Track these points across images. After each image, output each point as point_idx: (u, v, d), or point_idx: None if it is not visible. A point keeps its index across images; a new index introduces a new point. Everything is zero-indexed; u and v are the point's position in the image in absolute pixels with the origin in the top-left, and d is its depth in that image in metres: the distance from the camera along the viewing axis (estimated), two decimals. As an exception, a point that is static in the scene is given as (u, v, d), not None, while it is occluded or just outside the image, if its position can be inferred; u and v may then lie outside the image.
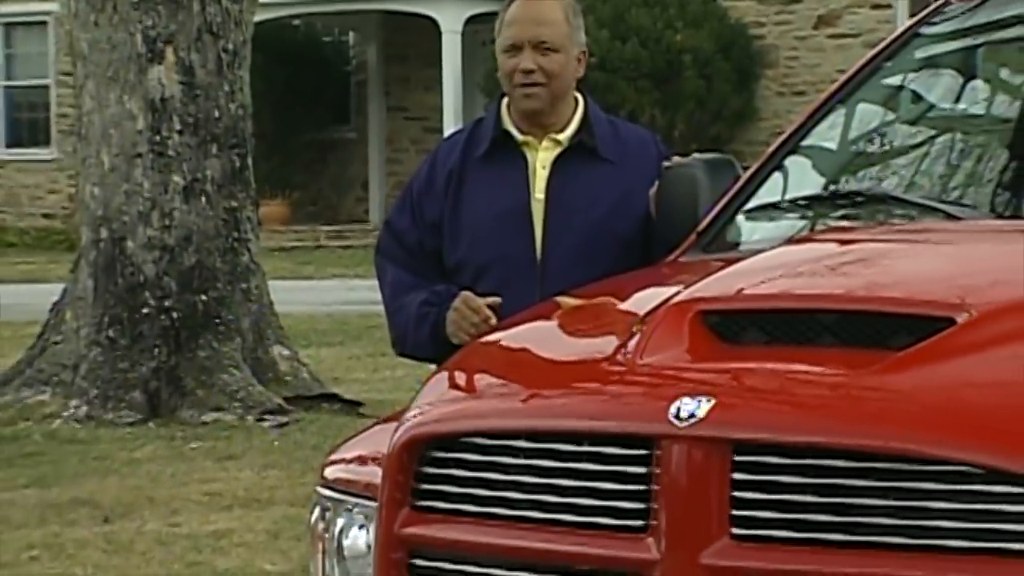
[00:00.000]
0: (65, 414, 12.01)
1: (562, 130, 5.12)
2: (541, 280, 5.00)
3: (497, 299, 4.95)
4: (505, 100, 5.19)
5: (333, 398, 12.39)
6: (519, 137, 5.12)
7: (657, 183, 4.95)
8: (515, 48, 5.07)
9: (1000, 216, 4.39)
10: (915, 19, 5.06)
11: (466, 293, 4.98)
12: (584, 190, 5.07)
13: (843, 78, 4.95)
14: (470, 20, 27.45)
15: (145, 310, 12.13)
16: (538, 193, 5.09)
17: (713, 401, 3.36)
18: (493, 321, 4.90)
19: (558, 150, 5.11)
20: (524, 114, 5.11)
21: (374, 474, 3.76)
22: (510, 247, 5.05)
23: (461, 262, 5.11)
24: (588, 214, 5.05)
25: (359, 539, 3.84)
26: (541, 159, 5.11)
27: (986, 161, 4.70)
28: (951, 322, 3.44)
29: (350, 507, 3.89)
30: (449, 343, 4.94)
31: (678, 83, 26.34)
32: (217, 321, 12.23)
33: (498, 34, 5.16)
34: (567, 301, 4.19)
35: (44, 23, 32.11)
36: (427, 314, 5.06)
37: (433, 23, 27.71)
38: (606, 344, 3.70)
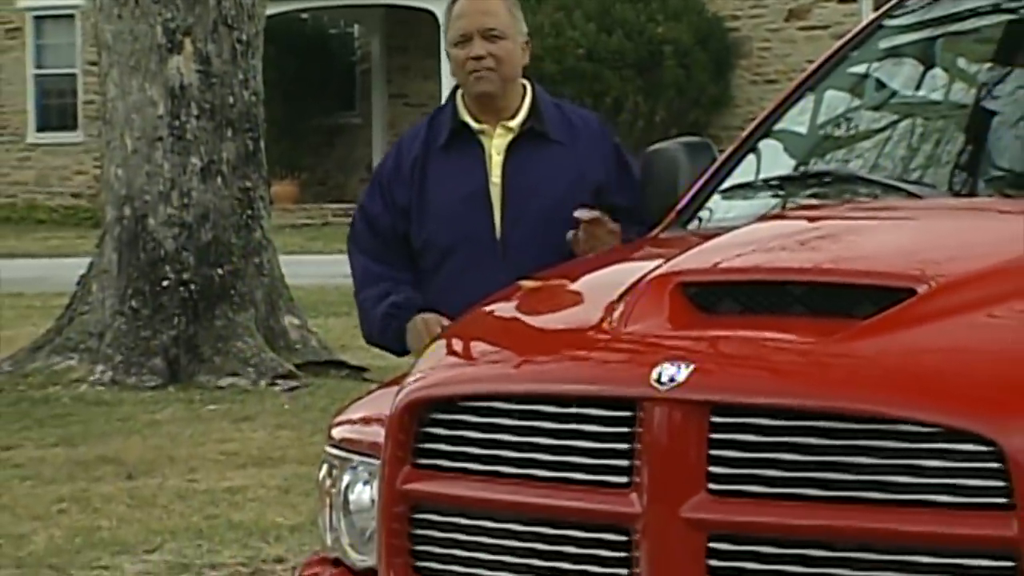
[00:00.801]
0: (91, 379, 12.02)
1: (513, 116, 5.14)
2: (503, 257, 5.03)
3: (446, 322, 4.92)
4: (460, 92, 5.20)
5: (340, 364, 12.40)
6: (475, 126, 5.13)
7: (640, 165, 4.96)
8: (465, 39, 5.09)
9: (957, 195, 4.39)
10: (879, 12, 5.06)
11: (424, 316, 5.01)
12: (537, 172, 5.08)
13: (812, 67, 4.94)
14: (467, 14, 27.33)
15: (165, 282, 12.15)
16: (494, 178, 5.11)
17: (692, 366, 3.36)
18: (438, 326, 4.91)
19: (510, 136, 5.13)
20: (477, 99, 5.12)
21: (377, 434, 3.76)
22: (472, 229, 5.07)
23: (427, 243, 5.12)
24: (542, 194, 5.07)
25: (364, 494, 3.84)
26: (496, 146, 5.12)
27: (944, 144, 4.70)
28: (912, 292, 3.44)
29: (355, 465, 3.89)
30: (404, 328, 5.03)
31: (659, 72, 26.32)
32: (232, 293, 12.24)
33: (447, 31, 5.19)
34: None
35: (72, 16, 32.07)
36: (391, 322, 5.10)
37: (432, 16, 27.67)
38: (593, 314, 3.69)
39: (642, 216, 4.94)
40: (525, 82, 5.21)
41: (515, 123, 5.14)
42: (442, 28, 5.28)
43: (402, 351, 5.18)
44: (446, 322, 4.91)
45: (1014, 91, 4.64)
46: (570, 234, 4.97)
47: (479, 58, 5.06)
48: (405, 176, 5.15)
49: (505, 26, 5.12)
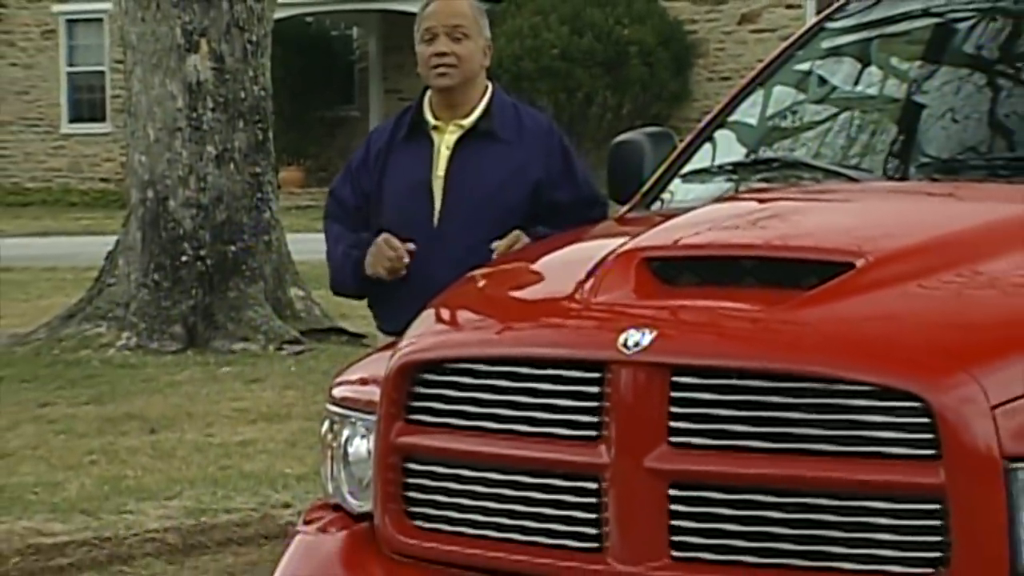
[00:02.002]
0: (118, 344, 12.01)
1: (468, 115, 5.09)
2: (439, 244, 5.00)
3: (411, 245, 4.97)
4: (428, 93, 5.16)
5: (340, 331, 12.39)
6: (431, 122, 5.10)
7: (608, 153, 4.95)
8: (432, 36, 5.05)
9: (891, 179, 4.39)
10: (821, 16, 5.05)
11: (386, 235, 5.01)
12: (478, 167, 5.04)
13: (761, 65, 4.94)
14: (453, 17, 27.30)
15: (184, 258, 12.13)
16: (439, 171, 5.08)
17: (655, 332, 3.35)
18: (405, 260, 4.95)
19: (460, 133, 5.09)
20: (438, 93, 5.08)
21: (373, 393, 3.76)
22: (413, 217, 5.04)
23: (382, 227, 5.10)
24: (479, 187, 5.03)
25: (361, 447, 3.84)
26: (446, 141, 5.09)
27: (879, 134, 4.70)
28: (851, 266, 3.44)
29: (354, 421, 3.88)
30: (368, 281, 5.03)
31: (626, 70, 26.30)
32: (244, 267, 12.23)
33: (416, 29, 5.14)
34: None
35: (100, 20, 31.98)
36: (350, 255, 5.10)
37: (422, 20, 27.58)
38: (566, 285, 3.69)
39: (582, 212, 4.93)
40: (488, 83, 5.17)
41: (468, 121, 5.09)
42: (415, 28, 5.21)
43: (359, 290, 5.15)
44: (396, 242, 4.95)
45: (940, 87, 4.63)
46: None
47: (442, 55, 5.02)
48: (370, 165, 5.14)
49: (469, 27, 5.08)
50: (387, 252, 4.98)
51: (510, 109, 5.16)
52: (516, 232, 4.96)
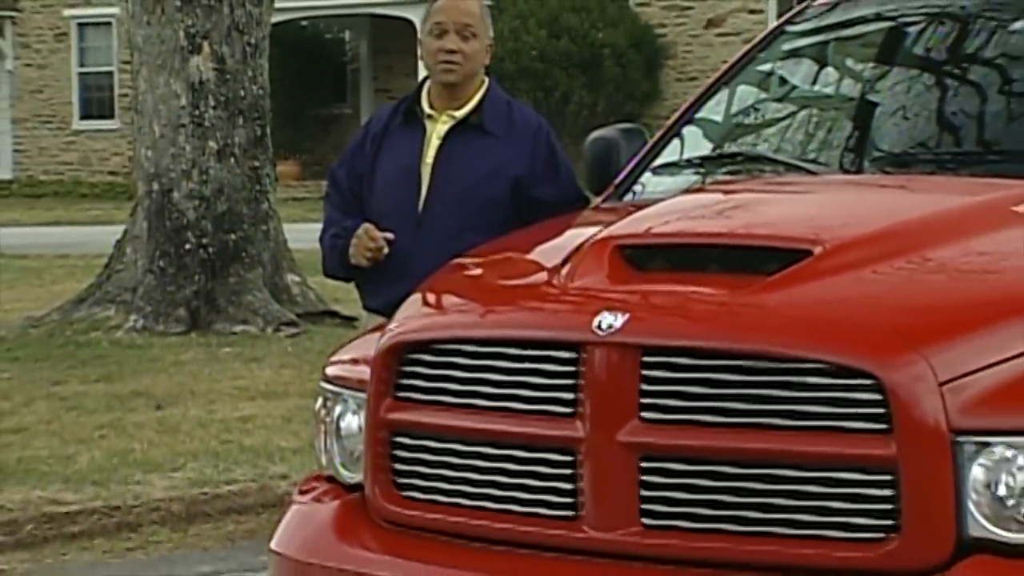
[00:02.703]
0: (126, 326, 11.97)
1: (462, 107, 5.01)
2: (420, 228, 4.92)
3: (390, 235, 4.91)
4: (427, 83, 5.09)
5: (334, 315, 12.37)
6: (427, 111, 5.03)
7: (584, 148, 4.92)
8: (442, 31, 4.97)
9: (847, 172, 4.39)
10: (782, 20, 5.05)
11: (367, 224, 4.95)
12: (464, 158, 4.96)
13: (726, 66, 4.93)
14: (439, 21, 27.28)
15: (187, 246, 12.10)
16: (428, 159, 4.99)
17: (627, 315, 3.35)
18: (385, 250, 4.88)
19: (451, 124, 5.01)
20: (440, 87, 5.01)
21: (364, 372, 3.75)
22: (400, 200, 4.97)
23: (371, 208, 5.03)
24: (462, 178, 4.95)
25: (352, 422, 3.83)
26: (437, 131, 5.01)
27: (835, 130, 4.69)
28: (809, 253, 3.44)
29: (346, 398, 3.87)
30: (357, 269, 4.97)
31: (600, 71, 26.28)
32: (243, 255, 12.20)
33: (425, 22, 5.05)
34: None
35: (109, 23, 31.88)
36: (336, 244, 5.04)
37: (410, 24, 27.57)
38: (545, 271, 3.69)
39: (565, 209, 4.79)
40: (485, 78, 5.11)
41: (460, 113, 5.01)
42: (420, 24, 5.13)
43: (348, 274, 5.08)
44: (376, 233, 4.89)
45: (892, 86, 4.63)
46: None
47: (451, 51, 4.95)
48: (366, 148, 5.07)
49: (477, 26, 5.01)
50: (367, 243, 4.92)
51: (503, 105, 5.09)
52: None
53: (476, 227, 4.77)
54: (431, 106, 5.03)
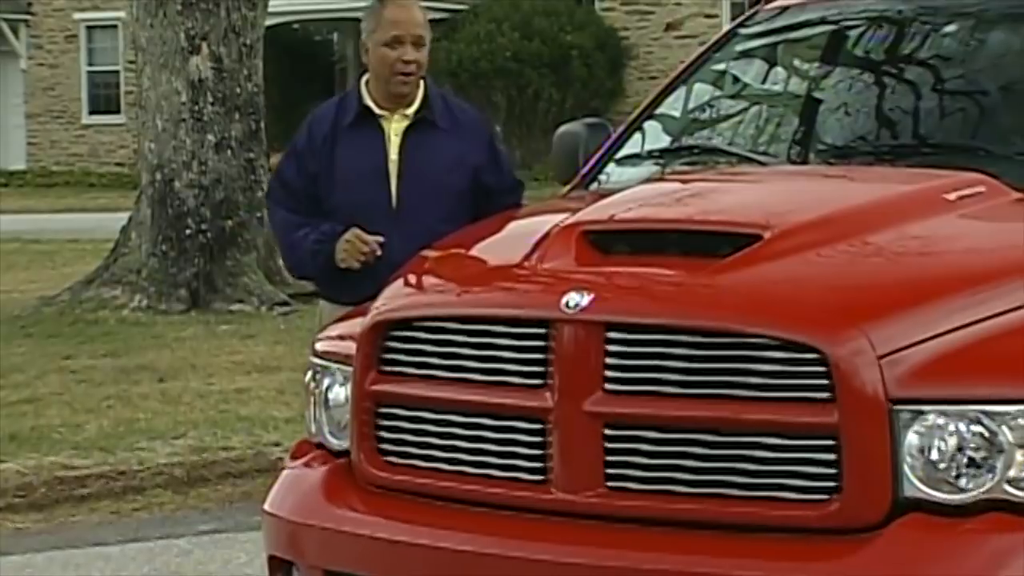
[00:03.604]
0: (131, 305, 11.94)
1: (409, 106, 4.88)
2: (397, 220, 4.79)
3: (380, 238, 4.75)
4: (364, 79, 4.93)
5: (323, 295, 12.36)
6: (378, 111, 4.87)
7: (553, 140, 4.89)
8: (398, 42, 4.80)
9: (794, 162, 4.39)
10: (734, 23, 5.04)
11: (355, 230, 4.77)
12: (427, 153, 4.85)
13: (683, 65, 4.93)
14: (420, 24, 27.21)
15: (188, 231, 12.06)
16: (393, 155, 4.85)
17: (592, 294, 3.35)
18: (378, 252, 4.73)
19: (407, 122, 4.87)
20: (394, 96, 4.85)
21: (350, 348, 3.74)
22: (372, 197, 4.81)
23: (336, 206, 4.84)
24: (430, 171, 4.83)
25: (340, 394, 3.82)
26: (395, 129, 4.86)
27: (784, 124, 4.69)
28: (760, 237, 3.44)
29: (333, 371, 3.86)
30: (336, 269, 4.79)
31: (569, 70, 26.26)
32: (240, 239, 12.18)
33: (375, 30, 4.86)
34: None
35: (116, 26, 31.70)
36: (320, 250, 4.83)
37: (393, 27, 27.44)
38: (517, 254, 3.67)
39: (506, 197, 4.78)
40: (422, 78, 4.96)
41: (411, 111, 4.88)
42: (366, 26, 4.93)
43: (328, 276, 4.88)
44: (367, 237, 4.74)
45: (835, 84, 4.63)
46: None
47: (409, 63, 4.80)
48: (316, 149, 4.88)
49: (425, 35, 4.88)
50: (361, 247, 4.76)
51: (440, 101, 4.96)
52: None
53: (447, 218, 4.67)
54: (379, 107, 4.88)
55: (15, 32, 32.48)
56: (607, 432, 3.30)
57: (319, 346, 4.00)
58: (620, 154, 4.65)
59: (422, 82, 4.92)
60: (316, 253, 4.87)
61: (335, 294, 4.90)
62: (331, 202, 4.87)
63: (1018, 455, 3.12)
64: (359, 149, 4.86)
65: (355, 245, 4.79)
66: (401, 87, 4.84)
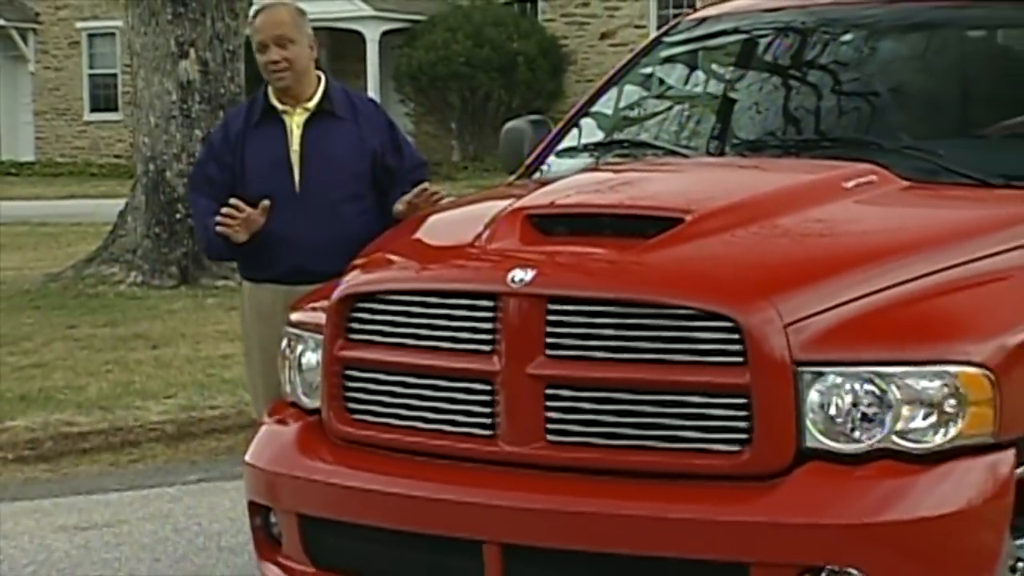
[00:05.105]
0: (128, 281, 11.84)
1: (309, 100, 4.75)
2: (302, 205, 4.64)
3: (266, 202, 4.59)
4: (271, 86, 4.80)
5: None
6: (279, 107, 4.76)
7: (501, 135, 4.83)
8: (263, 47, 4.71)
9: (712, 155, 4.39)
10: (660, 32, 5.04)
11: (233, 200, 4.59)
12: (327, 141, 4.73)
13: (614, 69, 4.92)
14: (384, 33, 27.09)
15: (177, 216, 11.95)
16: (295, 146, 4.72)
17: (535, 271, 3.34)
18: (258, 217, 4.54)
19: (306, 115, 4.75)
20: (279, 91, 4.75)
21: (321, 318, 3.71)
22: (278, 185, 4.66)
23: (249, 194, 4.67)
24: (330, 157, 4.70)
25: (312, 358, 3.79)
26: (296, 122, 4.74)
27: (703, 121, 4.69)
28: (682, 220, 3.44)
29: (306, 339, 3.83)
30: (247, 251, 4.61)
31: (515, 74, 26.19)
32: (224, 222, 12.09)
33: (252, 39, 4.79)
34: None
35: (114, 34, 31.35)
36: (214, 216, 4.63)
37: (360, 35, 27.33)
38: (468, 235, 3.66)
39: (412, 174, 4.67)
40: (320, 74, 4.83)
41: (311, 104, 4.75)
42: (250, 36, 4.83)
43: (234, 254, 4.69)
44: (241, 204, 4.52)
45: (748, 86, 4.64)
46: (398, 205, 4.61)
47: (275, 62, 4.68)
48: (231, 143, 4.75)
49: (292, 33, 4.70)
50: (234, 214, 4.55)
51: (341, 93, 4.83)
52: (423, 185, 4.64)
53: (348, 197, 4.58)
54: (282, 104, 4.76)
55: (24, 39, 32.14)
56: (548, 392, 3.30)
57: (293, 317, 3.97)
58: (560, 147, 4.64)
59: (320, 77, 4.80)
60: (214, 235, 4.66)
61: (251, 273, 4.77)
62: (245, 191, 4.70)
63: (904, 410, 3.14)
64: (264, 143, 4.73)
65: (228, 212, 4.56)
66: (278, 82, 4.71)
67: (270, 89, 4.80)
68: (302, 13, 4.83)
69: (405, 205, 4.60)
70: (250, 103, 4.87)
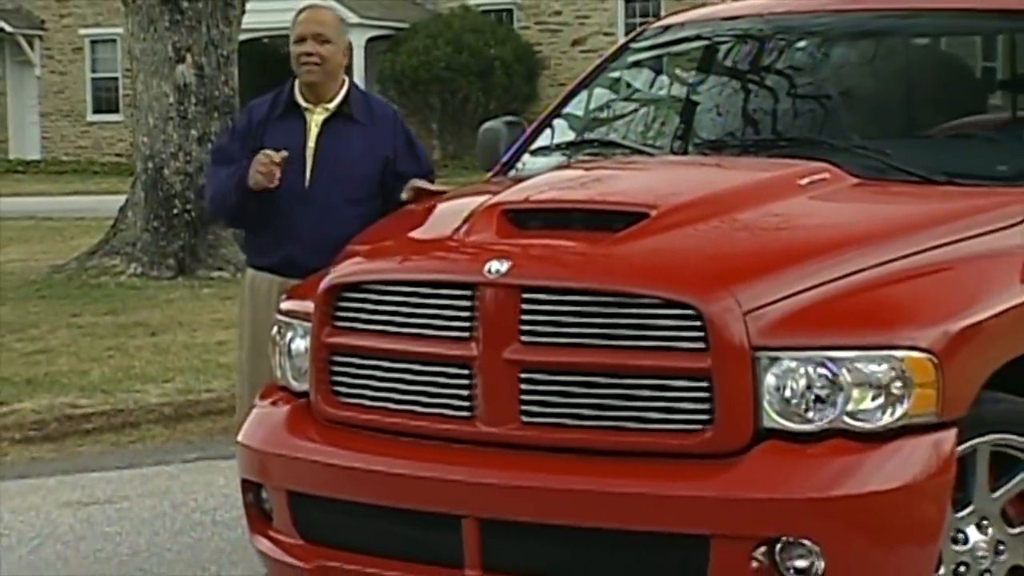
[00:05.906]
0: (128, 272, 11.80)
1: (331, 101, 4.73)
2: (309, 199, 4.62)
3: (284, 152, 4.54)
4: (297, 82, 4.77)
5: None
6: (303, 104, 4.73)
7: (478, 135, 4.83)
8: (301, 39, 4.69)
9: (676, 154, 4.40)
10: (627, 39, 5.04)
11: (265, 150, 4.57)
12: (340, 142, 4.70)
13: (585, 73, 4.91)
14: (370, 40, 27.03)
15: (175, 211, 11.92)
16: (311, 143, 4.69)
17: (510, 262, 3.34)
18: (277, 162, 4.49)
19: (326, 115, 4.73)
20: (305, 85, 4.72)
21: (309, 307, 3.70)
22: (290, 178, 4.60)
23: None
24: (341, 157, 4.67)
25: (301, 345, 3.78)
26: (315, 120, 4.71)
27: (667, 122, 4.70)
28: (648, 215, 3.43)
29: (296, 327, 3.82)
30: (244, 205, 4.56)
31: (493, 79, 26.18)
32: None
33: (291, 31, 4.75)
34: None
35: (115, 40, 31.18)
36: (234, 174, 4.62)
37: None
38: (448, 228, 3.65)
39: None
40: (345, 78, 4.82)
41: (332, 105, 4.72)
42: (291, 32, 4.78)
43: (233, 215, 4.66)
44: (271, 152, 4.51)
45: (709, 89, 4.64)
46: (404, 194, 4.57)
47: (309, 55, 4.66)
48: (254, 131, 4.72)
49: (331, 34, 4.70)
50: (263, 159, 4.52)
51: (363, 99, 4.82)
52: (414, 181, 4.61)
53: (352, 200, 4.55)
54: (305, 100, 4.73)
55: (31, 45, 31.99)
56: (522, 376, 3.30)
57: (283, 306, 3.96)
58: (534, 146, 4.63)
59: (345, 81, 4.79)
60: (229, 179, 4.61)
61: (254, 260, 4.75)
62: None
63: (855, 392, 3.15)
64: (283, 135, 4.69)
65: (258, 158, 4.53)
66: (307, 75, 4.68)
67: (296, 85, 4.75)
68: (343, 22, 4.84)
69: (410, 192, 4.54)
70: (275, 96, 4.82)
